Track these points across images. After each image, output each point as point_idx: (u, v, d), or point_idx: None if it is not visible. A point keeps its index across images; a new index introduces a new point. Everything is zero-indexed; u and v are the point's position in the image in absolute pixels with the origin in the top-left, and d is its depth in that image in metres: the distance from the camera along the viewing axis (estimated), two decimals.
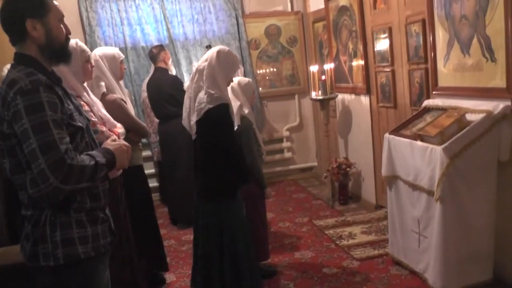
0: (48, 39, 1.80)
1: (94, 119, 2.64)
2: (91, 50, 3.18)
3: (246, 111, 3.48)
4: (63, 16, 1.87)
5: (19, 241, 1.89)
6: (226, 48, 3.00)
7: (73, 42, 2.51)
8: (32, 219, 1.78)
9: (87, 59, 2.83)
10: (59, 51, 1.85)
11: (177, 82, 5.07)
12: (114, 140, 2.00)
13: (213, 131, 2.86)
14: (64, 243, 1.76)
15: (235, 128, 3.15)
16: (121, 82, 3.48)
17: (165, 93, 4.88)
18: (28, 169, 1.69)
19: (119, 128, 2.88)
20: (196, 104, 2.87)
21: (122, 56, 3.44)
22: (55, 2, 1.85)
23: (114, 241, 1.98)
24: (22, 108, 1.63)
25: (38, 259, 1.77)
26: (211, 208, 2.97)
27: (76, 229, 1.79)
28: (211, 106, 2.79)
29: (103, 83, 3.21)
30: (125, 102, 3.31)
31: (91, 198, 1.85)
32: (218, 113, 2.80)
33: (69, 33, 1.90)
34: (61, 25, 1.85)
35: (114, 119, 2.88)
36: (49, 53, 1.82)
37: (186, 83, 5.07)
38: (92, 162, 1.73)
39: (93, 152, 1.81)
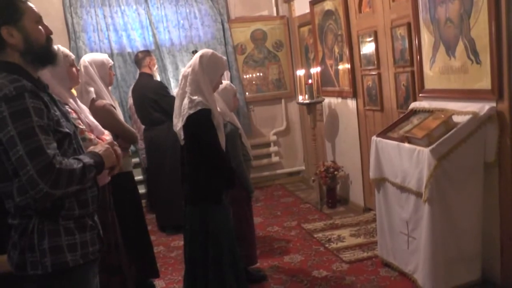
0: (26, 44, 1.74)
1: (82, 126, 2.59)
2: (77, 56, 3.15)
3: (227, 118, 3.43)
4: (40, 17, 1.79)
5: (4, 251, 1.85)
6: (209, 51, 2.97)
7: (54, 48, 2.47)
8: (19, 227, 1.75)
9: (72, 64, 2.78)
10: (41, 53, 1.79)
11: (161, 87, 5.01)
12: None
13: (195, 136, 2.86)
14: (52, 251, 1.73)
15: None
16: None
17: (149, 98, 4.86)
18: (15, 177, 1.66)
19: (107, 135, 2.84)
20: (181, 110, 2.88)
21: (111, 62, 3.44)
22: (30, 4, 1.77)
23: (102, 249, 1.95)
24: (7, 115, 1.60)
25: (26, 268, 1.74)
26: (197, 213, 2.96)
27: (65, 237, 1.76)
28: (191, 112, 2.80)
29: (92, 89, 3.20)
30: (115, 108, 3.29)
31: (80, 205, 1.82)
32: (197, 118, 2.80)
33: (50, 33, 1.83)
34: (39, 27, 1.78)
35: (103, 125, 2.85)
36: (31, 58, 1.76)
37: (173, 89, 5.04)
38: (80, 165, 1.70)
39: (80, 156, 1.78)
